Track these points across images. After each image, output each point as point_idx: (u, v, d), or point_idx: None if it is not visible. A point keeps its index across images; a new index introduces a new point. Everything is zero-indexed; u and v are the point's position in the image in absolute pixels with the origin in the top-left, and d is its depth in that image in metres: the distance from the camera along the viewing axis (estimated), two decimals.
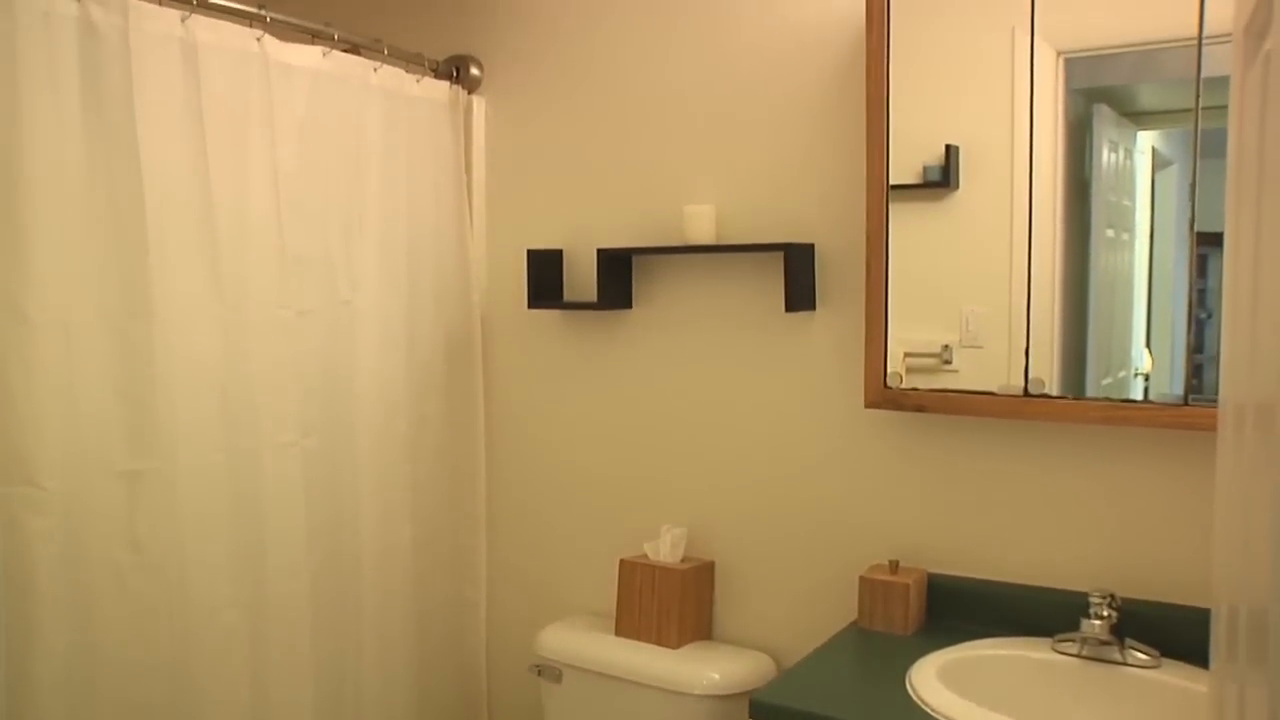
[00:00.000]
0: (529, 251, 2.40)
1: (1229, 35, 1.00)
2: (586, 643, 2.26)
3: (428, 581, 2.47)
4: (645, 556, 2.27)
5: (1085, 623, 1.74)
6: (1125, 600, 1.77)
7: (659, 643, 2.20)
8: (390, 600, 2.36)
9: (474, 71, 2.53)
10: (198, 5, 1.89)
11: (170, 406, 1.86)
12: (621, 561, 2.28)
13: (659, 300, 2.33)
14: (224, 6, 1.95)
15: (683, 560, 2.25)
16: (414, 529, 2.42)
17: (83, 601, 1.75)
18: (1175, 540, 1.80)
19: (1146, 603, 1.78)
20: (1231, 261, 0.97)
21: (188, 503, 1.90)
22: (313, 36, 2.17)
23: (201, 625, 1.93)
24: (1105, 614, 1.73)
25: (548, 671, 2.28)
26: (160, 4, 1.85)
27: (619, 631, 2.26)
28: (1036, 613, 1.86)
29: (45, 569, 1.69)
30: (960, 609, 1.95)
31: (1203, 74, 1.67)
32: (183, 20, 1.88)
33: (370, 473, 2.30)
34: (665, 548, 2.24)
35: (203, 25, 1.91)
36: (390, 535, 2.36)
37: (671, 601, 2.19)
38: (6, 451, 1.66)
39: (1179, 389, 1.75)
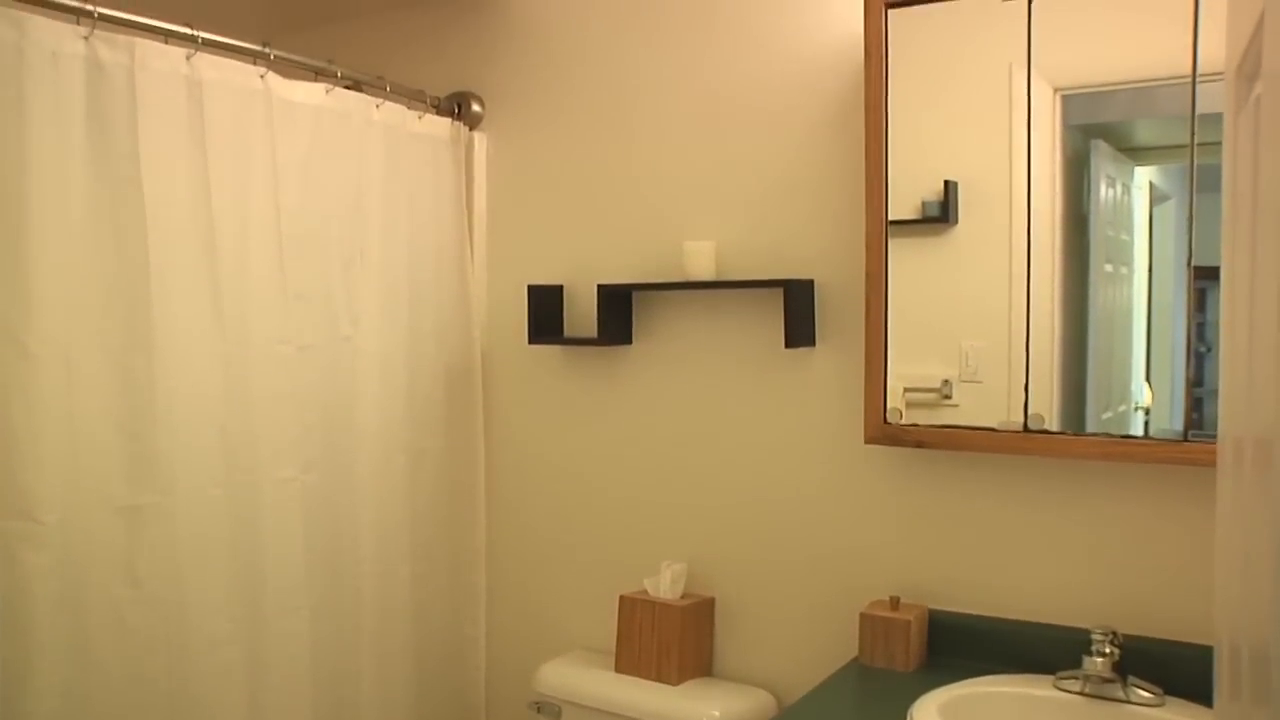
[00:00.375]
0: (530, 287, 2.41)
1: (1222, 73, 1.01)
2: (586, 679, 2.25)
3: (427, 617, 2.45)
4: (645, 592, 2.26)
5: (1087, 660, 1.73)
6: (1128, 637, 1.75)
7: (659, 679, 2.18)
8: (389, 635, 2.35)
9: (475, 108, 2.55)
10: (203, 43, 1.91)
11: (170, 441, 1.87)
12: (621, 598, 2.27)
13: (659, 336, 2.34)
14: (228, 44, 1.97)
15: (683, 596, 2.24)
16: (413, 564, 2.41)
17: (80, 637, 1.74)
18: (1178, 576, 1.79)
19: (1149, 639, 1.77)
20: (1228, 297, 0.98)
21: (187, 537, 1.89)
22: (315, 74, 2.20)
23: (200, 661, 1.92)
24: (1108, 651, 1.72)
25: (547, 708, 2.26)
26: (166, 42, 1.88)
27: (619, 668, 2.25)
28: (1038, 649, 1.85)
29: (43, 604, 1.68)
30: (961, 646, 1.94)
31: (1198, 111, 1.68)
32: (188, 58, 1.90)
33: (370, 508, 2.30)
34: (665, 584, 2.23)
35: (207, 63, 1.93)
36: (389, 570, 2.35)
37: (672, 638, 2.18)
38: (5, 485, 1.65)
39: (1179, 423, 1.75)
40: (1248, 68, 0.83)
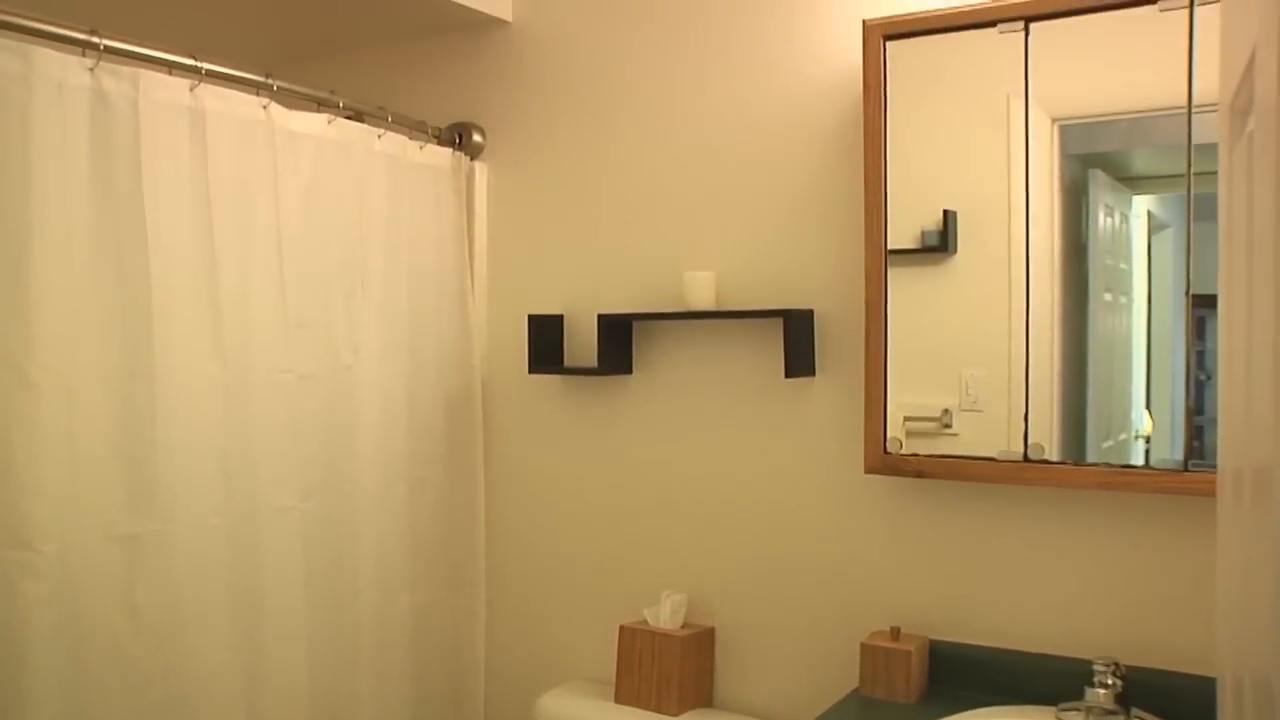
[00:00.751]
0: (530, 316, 2.42)
1: (1217, 104, 1.02)
2: (586, 710, 2.24)
3: (426, 647, 2.44)
4: (645, 622, 2.25)
5: (1090, 691, 1.72)
6: (1130, 668, 1.75)
7: (659, 710, 2.17)
8: (388, 664, 2.34)
9: (476, 138, 2.56)
10: (206, 74, 1.92)
11: (170, 469, 1.86)
12: (621, 628, 2.26)
13: (659, 366, 2.34)
14: (232, 75, 1.99)
15: (683, 626, 2.23)
16: (412, 593, 2.40)
17: (76, 668, 1.73)
18: (1181, 607, 1.78)
19: (1152, 671, 1.76)
20: (1225, 329, 0.98)
21: (186, 567, 1.89)
22: (318, 104, 2.21)
23: (198, 693, 1.90)
24: (1110, 682, 1.71)
25: None
26: (170, 73, 1.89)
27: (619, 699, 2.23)
28: (1040, 681, 1.84)
29: (39, 635, 1.67)
30: (963, 676, 1.93)
31: (1194, 141, 1.69)
32: (191, 89, 1.91)
33: (369, 537, 2.29)
34: (665, 614, 2.22)
35: (211, 94, 1.94)
36: (389, 600, 2.34)
37: (671, 668, 2.17)
38: (4, 513, 1.65)
39: (1180, 452, 1.75)
40: (1241, 103, 0.84)
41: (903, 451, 1.97)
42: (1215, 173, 1.14)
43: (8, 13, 1.64)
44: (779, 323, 2.12)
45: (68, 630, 1.72)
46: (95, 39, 1.75)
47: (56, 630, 1.70)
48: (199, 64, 1.91)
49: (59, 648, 1.70)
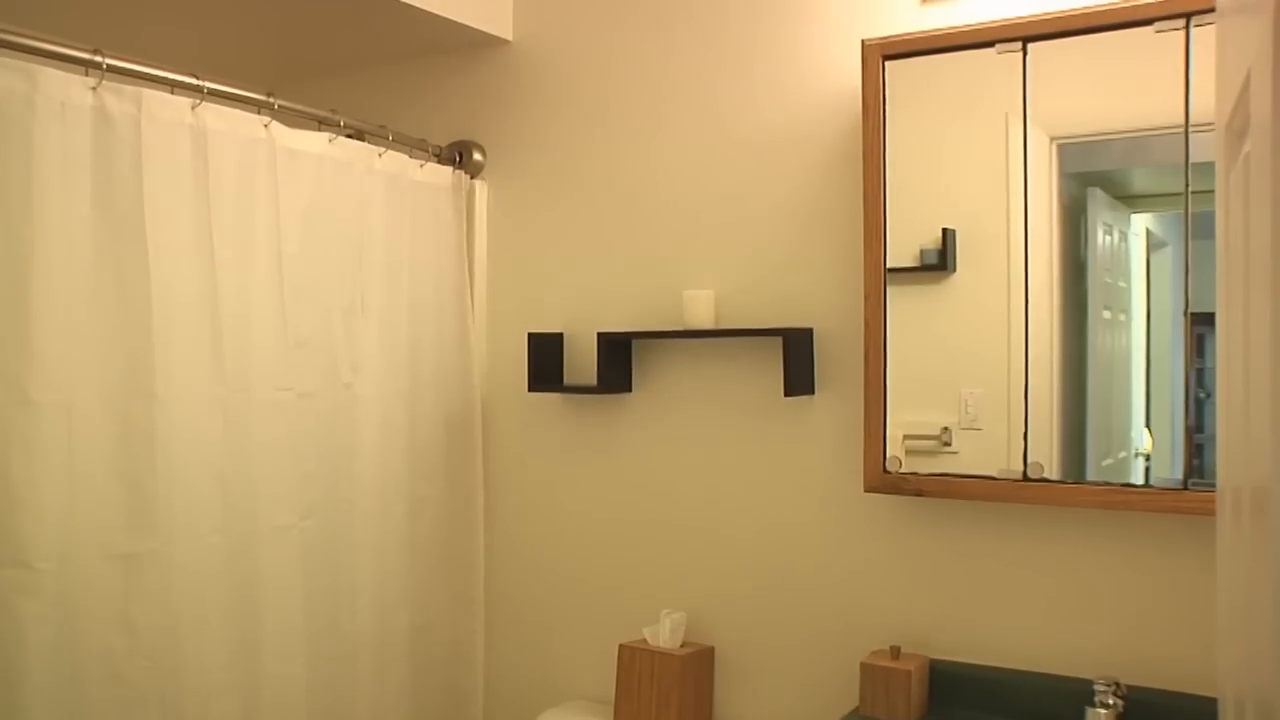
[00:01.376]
0: (530, 334, 2.42)
1: (1214, 124, 1.03)
2: None
3: (425, 666, 2.43)
4: (644, 642, 2.25)
5: (1090, 711, 1.71)
6: (1131, 688, 1.74)
7: None
8: (386, 684, 2.33)
9: (476, 157, 2.57)
10: (208, 93, 1.93)
11: (169, 488, 1.86)
12: (621, 647, 2.25)
13: (659, 384, 2.34)
14: (233, 94, 2.00)
15: (682, 645, 2.22)
16: (411, 612, 2.39)
17: (73, 686, 1.72)
18: (1182, 627, 1.78)
19: (1153, 691, 1.76)
20: (1224, 350, 0.98)
21: (184, 586, 1.88)
22: (319, 123, 2.22)
23: (195, 712, 1.89)
24: (1111, 703, 1.71)
25: None
26: (172, 92, 1.90)
27: (618, 718, 2.22)
28: (1040, 700, 1.84)
29: (35, 653, 1.67)
30: (963, 696, 1.92)
31: (1192, 159, 1.70)
32: (193, 108, 1.92)
33: (368, 556, 2.28)
34: (665, 633, 2.22)
35: (212, 113, 1.95)
36: (387, 619, 2.33)
37: (671, 688, 2.16)
38: (1, 531, 1.64)
39: (1179, 470, 1.75)
40: (1237, 124, 0.84)
41: (902, 470, 1.97)
42: (1213, 191, 1.14)
43: (12, 32, 1.65)
44: (778, 341, 2.12)
45: (64, 648, 1.71)
46: (98, 58, 1.76)
47: (53, 648, 1.69)
48: (201, 83, 1.92)
49: (56, 666, 1.70)
